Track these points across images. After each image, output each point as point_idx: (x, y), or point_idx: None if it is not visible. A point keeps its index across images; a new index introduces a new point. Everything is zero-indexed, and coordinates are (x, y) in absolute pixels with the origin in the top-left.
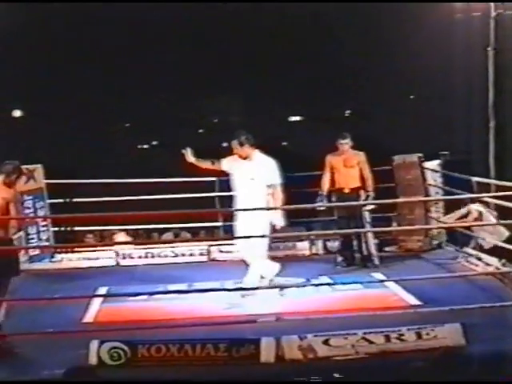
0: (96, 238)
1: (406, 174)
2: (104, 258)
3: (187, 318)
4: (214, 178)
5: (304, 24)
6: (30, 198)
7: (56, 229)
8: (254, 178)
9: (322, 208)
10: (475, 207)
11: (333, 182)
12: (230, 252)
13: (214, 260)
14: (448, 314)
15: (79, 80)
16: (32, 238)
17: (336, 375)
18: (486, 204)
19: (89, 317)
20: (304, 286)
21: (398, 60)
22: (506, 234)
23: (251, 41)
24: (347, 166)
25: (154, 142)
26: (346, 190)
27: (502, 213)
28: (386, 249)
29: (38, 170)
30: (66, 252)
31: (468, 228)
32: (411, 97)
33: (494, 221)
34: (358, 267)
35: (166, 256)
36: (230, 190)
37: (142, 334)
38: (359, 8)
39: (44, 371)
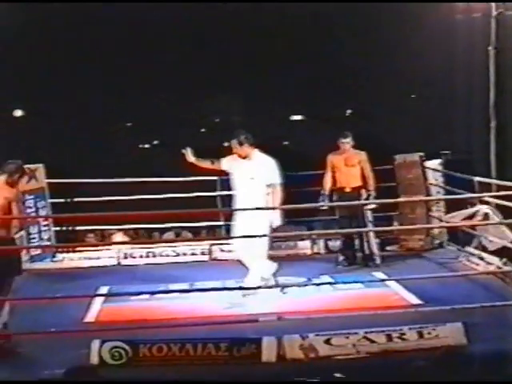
0: (97, 237)
1: (407, 174)
2: (105, 257)
3: (188, 317)
4: (215, 178)
5: (305, 24)
6: (32, 197)
7: (57, 228)
8: (253, 177)
9: (324, 208)
10: (483, 209)
11: (334, 181)
12: (232, 251)
13: (215, 259)
14: (449, 313)
15: (80, 80)
16: (33, 238)
17: (337, 375)
18: (493, 206)
19: (90, 316)
20: (305, 285)
21: (398, 60)
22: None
23: (252, 40)
24: (348, 166)
25: (155, 142)
26: (348, 190)
27: (503, 212)
28: (388, 248)
29: (40, 169)
30: (68, 251)
31: (473, 228)
32: (412, 96)
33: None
34: (359, 266)
35: (167, 255)
36: (231, 189)
37: (144, 334)
38: (359, 8)
39: (45, 371)
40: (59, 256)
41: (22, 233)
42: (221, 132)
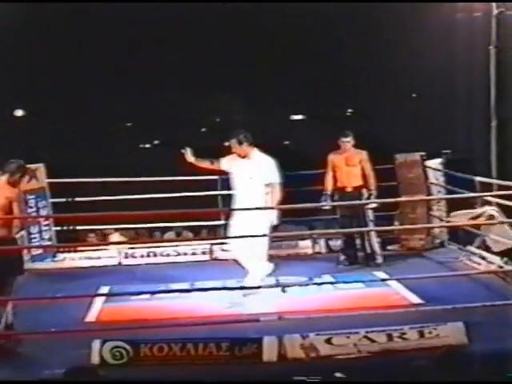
0: (98, 237)
1: (408, 173)
2: (106, 257)
3: (189, 317)
4: (216, 177)
5: (305, 23)
6: (33, 197)
7: (58, 228)
8: (252, 176)
9: (327, 207)
10: (489, 210)
11: (335, 180)
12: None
13: (216, 259)
14: (450, 312)
15: (81, 79)
16: (34, 238)
17: (338, 374)
18: (495, 205)
19: (91, 316)
20: (306, 284)
21: (399, 59)
22: None
23: (252, 40)
24: (349, 165)
25: (156, 142)
26: (349, 189)
27: (504, 212)
28: (389, 247)
29: (40, 169)
30: (69, 251)
31: (477, 228)
32: (413, 96)
33: (504, 225)
34: (360, 266)
35: (168, 255)
36: (232, 188)
37: (145, 333)
38: (360, 7)
39: (46, 370)
40: (60, 256)
41: (23, 232)
42: (221, 132)
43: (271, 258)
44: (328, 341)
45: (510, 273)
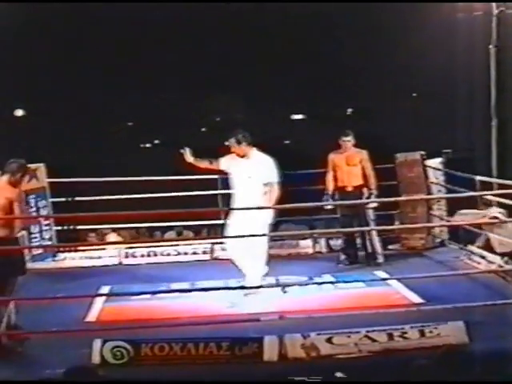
0: (98, 236)
1: (408, 172)
2: (107, 256)
3: (190, 316)
4: (216, 176)
5: (305, 23)
6: (33, 196)
7: (59, 228)
8: (251, 176)
9: (329, 207)
10: (494, 212)
11: (335, 180)
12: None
13: (216, 259)
14: (451, 311)
15: (81, 79)
16: (35, 237)
17: (339, 374)
18: (495, 204)
19: (91, 316)
20: (307, 284)
21: (399, 58)
22: None
23: (252, 40)
24: (350, 165)
25: (156, 141)
26: (349, 188)
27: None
28: (389, 247)
29: (41, 168)
30: (69, 251)
31: (480, 228)
32: (413, 95)
33: (508, 226)
34: (361, 265)
35: (168, 255)
36: (231, 188)
37: (145, 333)
38: (360, 7)
39: (47, 370)
40: (60, 255)
41: (24, 232)
42: (221, 131)
43: (272, 258)
44: (329, 340)
45: (511, 272)
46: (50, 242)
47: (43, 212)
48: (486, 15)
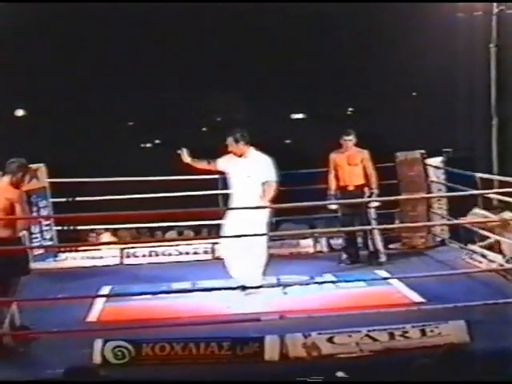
0: (98, 236)
1: (408, 171)
2: (108, 256)
3: (191, 316)
4: (216, 176)
5: (306, 23)
6: (34, 197)
7: (59, 228)
8: (250, 175)
9: (334, 207)
10: (507, 214)
11: (337, 179)
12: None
13: (218, 258)
14: (452, 310)
15: (81, 79)
16: (35, 238)
17: (340, 373)
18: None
19: (93, 316)
20: (308, 283)
21: (400, 58)
22: None
23: (253, 40)
24: (351, 164)
25: (157, 141)
26: (351, 188)
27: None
28: (390, 246)
29: (41, 169)
30: (70, 251)
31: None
32: (414, 94)
33: None
34: (363, 264)
35: (169, 254)
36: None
37: (146, 333)
38: (361, 6)
39: (48, 370)
40: (61, 255)
41: (24, 232)
42: (222, 131)
43: (272, 257)
44: (330, 340)
45: (511, 271)
46: (50, 242)
47: (44, 212)
48: (486, 15)
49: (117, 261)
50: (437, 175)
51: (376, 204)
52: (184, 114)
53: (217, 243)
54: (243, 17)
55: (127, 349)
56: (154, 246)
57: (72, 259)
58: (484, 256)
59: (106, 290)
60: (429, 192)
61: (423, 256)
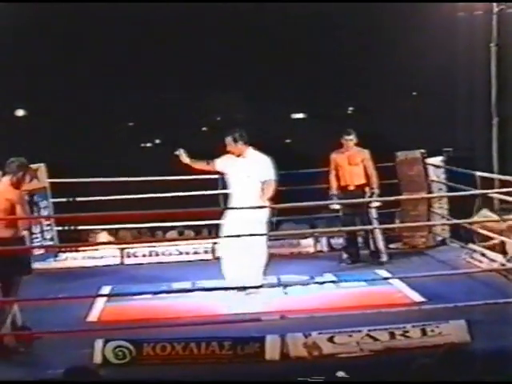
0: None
1: (408, 170)
2: (108, 256)
3: (192, 316)
4: (216, 176)
5: (306, 23)
6: (35, 197)
7: (60, 228)
8: (248, 175)
9: (336, 207)
10: None
11: (338, 179)
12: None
13: (218, 258)
14: (453, 310)
15: (82, 79)
16: (36, 238)
17: (340, 372)
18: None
19: (93, 316)
20: (308, 283)
21: (400, 57)
22: None
23: (253, 39)
24: (352, 164)
25: (157, 141)
26: (351, 188)
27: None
28: (391, 245)
29: (41, 169)
30: (71, 251)
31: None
32: (414, 93)
33: None
34: (364, 264)
35: (170, 254)
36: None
37: (147, 333)
38: (361, 6)
39: (48, 370)
40: (62, 255)
41: (25, 233)
42: (222, 130)
43: (273, 257)
44: (330, 339)
45: None
46: (51, 243)
47: (44, 212)
48: (487, 14)
49: (117, 261)
50: (437, 174)
51: (377, 204)
52: (184, 113)
53: (217, 243)
54: (243, 17)
55: (128, 349)
56: (154, 246)
57: (72, 259)
58: (484, 255)
59: (106, 289)
60: (429, 191)
61: (424, 255)
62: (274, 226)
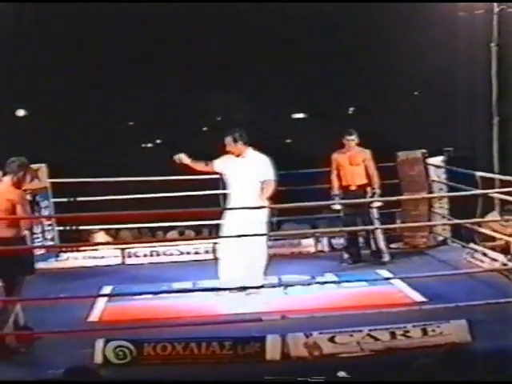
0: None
1: (409, 170)
2: (109, 256)
3: (192, 316)
4: (217, 176)
5: (306, 23)
6: (37, 197)
7: (61, 228)
8: (248, 175)
9: (338, 207)
10: None
11: (339, 179)
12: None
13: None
14: (453, 310)
15: (82, 79)
16: (37, 238)
17: (341, 372)
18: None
19: (94, 315)
20: (309, 283)
21: (401, 57)
22: None
23: (253, 39)
24: (353, 164)
25: (158, 141)
26: (353, 188)
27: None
28: (392, 245)
29: (42, 169)
30: (72, 251)
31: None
32: (414, 93)
33: None
34: (365, 264)
35: (171, 254)
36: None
37: (148, 333)
38: (361, 6)
39: (49, 370)
40: (63, 255)
41: (26, 233)
42: (222, 130)
43: (274, 257)
44: (331, 339)
45: None
46: (52, 243)
47: (45, 212)
48: (487, 13)
49: (118, 261)
50: (438, 174)
51: (378, 204)
52: (184, 113)
53: (217, 243)
54: (243, 17)
55: (129, 349)
56: (155, 246)
57: (73, 259)
58: (486, 255)
59: (107, 289)
60: (430, 191)
61: (425, 255)
62: (274, 226)
